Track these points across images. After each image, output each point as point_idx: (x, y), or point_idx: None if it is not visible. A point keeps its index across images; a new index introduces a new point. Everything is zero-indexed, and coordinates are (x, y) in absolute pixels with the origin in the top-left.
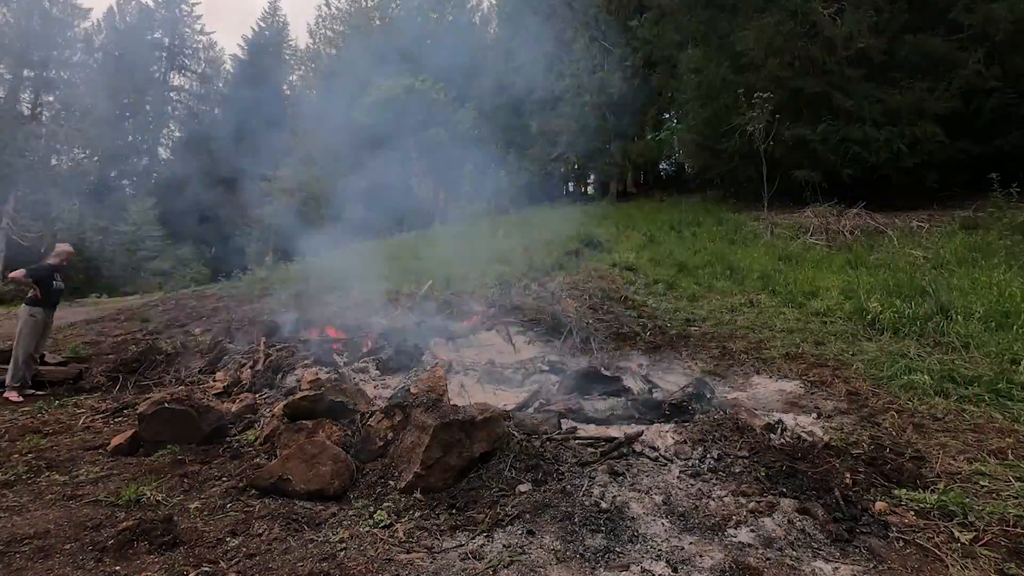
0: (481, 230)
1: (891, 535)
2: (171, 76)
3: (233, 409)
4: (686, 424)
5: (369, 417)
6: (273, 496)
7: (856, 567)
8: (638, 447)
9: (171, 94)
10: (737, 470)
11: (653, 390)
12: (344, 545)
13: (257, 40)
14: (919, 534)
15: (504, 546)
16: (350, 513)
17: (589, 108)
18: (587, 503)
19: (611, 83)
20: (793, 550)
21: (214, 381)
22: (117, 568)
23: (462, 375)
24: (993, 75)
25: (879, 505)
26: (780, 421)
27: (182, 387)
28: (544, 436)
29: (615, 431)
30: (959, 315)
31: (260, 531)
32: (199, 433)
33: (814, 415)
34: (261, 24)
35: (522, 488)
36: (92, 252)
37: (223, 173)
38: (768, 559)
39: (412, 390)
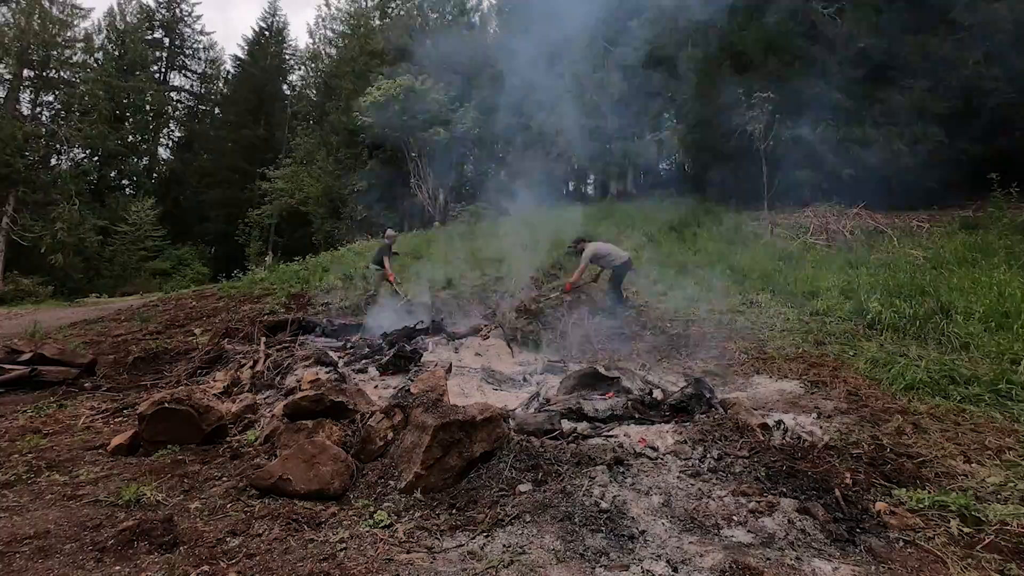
0: (481, 231)
1: (891, 535)
2: None
3: (233, 409)
4: (686, 424)
5: (369, 417)
6: (273, 496)
7: (856, 567)
8: (638, 447)
9: None
10: (737, 470)
11: (653, 390)
12: (344, 545)
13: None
14: (919, 534)
15: (504, 546)
16: (350, 513)
17: (589, 108)
18: (587, 503)
19: (611, 82)
20: (793, 550)
21: (214, 381)
22: (117, 568)
23: (462, 376)
24: (993, 75)
25: (879, 505)
26: (780, 421)
27: (182, 387)
28: (544, 436)
29: (615, 431)
30: (959, 315)
31: (260, 531)
32: (199, 433)
33: (814, 415)
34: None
35: (522, 488)
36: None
37: None
38: (768, 559)
39: (412, 390)
